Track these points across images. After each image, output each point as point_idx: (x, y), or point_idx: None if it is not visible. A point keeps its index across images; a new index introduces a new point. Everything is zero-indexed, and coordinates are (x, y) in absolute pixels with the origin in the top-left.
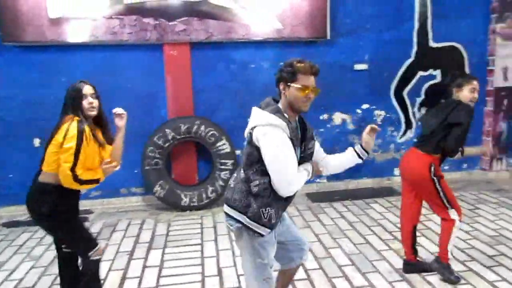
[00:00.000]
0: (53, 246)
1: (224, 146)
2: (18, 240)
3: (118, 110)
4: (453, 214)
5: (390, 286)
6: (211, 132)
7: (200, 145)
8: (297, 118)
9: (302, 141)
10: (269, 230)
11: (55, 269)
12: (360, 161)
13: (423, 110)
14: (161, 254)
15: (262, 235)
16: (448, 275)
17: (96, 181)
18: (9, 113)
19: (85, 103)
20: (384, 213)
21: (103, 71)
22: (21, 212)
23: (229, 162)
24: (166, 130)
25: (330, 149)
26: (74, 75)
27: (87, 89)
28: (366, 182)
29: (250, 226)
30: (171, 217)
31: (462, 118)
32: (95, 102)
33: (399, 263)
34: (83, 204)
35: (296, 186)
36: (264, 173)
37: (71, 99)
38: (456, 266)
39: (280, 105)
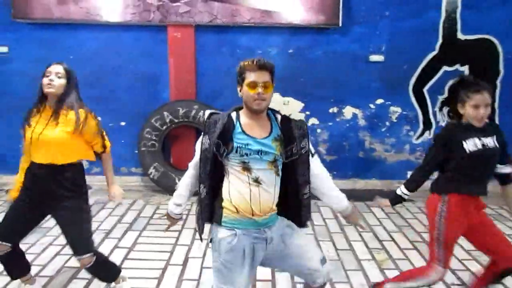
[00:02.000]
0: None
1: None
2: None
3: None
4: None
5: None
6: None
7: (201, 130)
8: (276, 117)
9: (287, 143)
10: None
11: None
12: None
13: (445, 110)
14: (137, 236)
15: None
16: None
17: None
18: (21, 87)
19: (45, 80)
20: (382, 219)
21: (107, 50)
22: None
23: None
24: (164, 112)
25: (338, 145)
26: (81, 53)
27: (53, 68)
28: (375, 183)
29: None
30: (162, 200)
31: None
32: (56, 81)
33: (376, 277)
34: None
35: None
36: None
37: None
38: None
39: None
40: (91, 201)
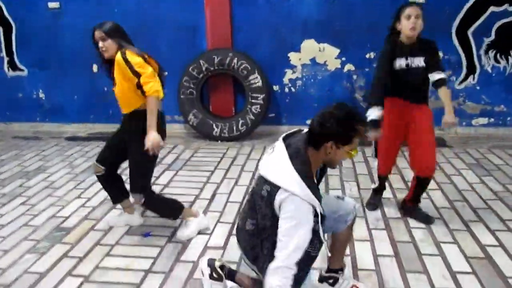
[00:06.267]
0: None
1: (256, 80)
2: (68, 151)
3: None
4: None
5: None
6: (244, 65)
7: (238, 79)
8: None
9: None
10: None
11: (83, 177)
12: None
13: (492, 54)
14: (173, 175)
15: None
16: None
17: None
18: (72, 40)
19: (100, 50)
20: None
21: (148, 4)
22: (82, 129)
23: (260, 96)
24: (200, 61)
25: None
26: (125, 7)
27: (96, 35)
28: None
29: None
30: (202, 145)
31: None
32: (103, 45)
33: (393, 213)
34: None
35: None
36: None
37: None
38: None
39: (309, 156)
40: None
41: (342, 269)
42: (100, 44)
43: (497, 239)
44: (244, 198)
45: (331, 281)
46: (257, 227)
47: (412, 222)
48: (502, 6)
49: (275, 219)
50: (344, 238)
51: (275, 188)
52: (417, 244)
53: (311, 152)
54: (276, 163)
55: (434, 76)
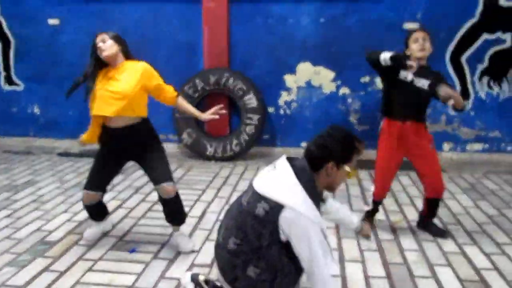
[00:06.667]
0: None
1: (251, 100)
2: (59, 167)
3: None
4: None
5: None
6: (239, 86)
7: (234, 99)
8: None
9: None
10: None
11: (72, 192)
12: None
13: (485, 80)
14: None
15: None
16: None
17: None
18: (72, 56)
19: (98, 51)
20: (408, 186)
21: (147, 21)
22: (75, 144)
23: (255, 117)
24: (196, 80)
25: (368, 115)
26: (124, 24)
27: (98, 38)
28: None
29: None
30: (196, 164)
31: None
32: (102, 45)
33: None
34: None
35: None
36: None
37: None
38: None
39: (315, 181)
40: (129, 163)
41: None
42: (100, 43)
43: (492, 262)
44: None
45: None
46: (242, 247)
47: (405, 244)
48: (495, 34)
49: (274, 238)
50: None
51: (277, 206)
52: (410, 266)
53: (318, 181)
54: (280, 180)
55: None
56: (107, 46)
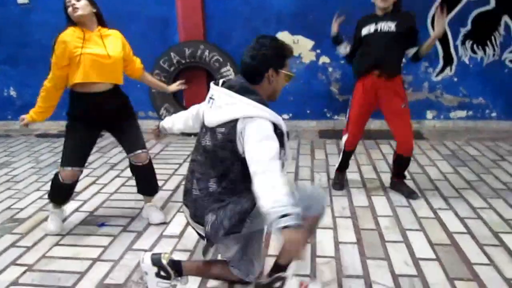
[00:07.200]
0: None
1: (228, 72)
2: (36, 147)
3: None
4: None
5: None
6: (215, 57)
7: (211, 72)
8: None
9: None
10: None
11: (47, 171)
12: None
13: (469, 44)
14: None
15: None
16: None
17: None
18: (44, 37)
19: (70, 10)
20: (388, 154)
21: None
22: (54, 126)
23: None
24: (171, 54)
25: (350, 85)
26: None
27: None
28: None
29: None
30: (173, 140)
31: None
32: (76, 3)
33: (360, 201)
34: None
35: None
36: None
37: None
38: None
39: (259, 94)
40: (107, 141)
41: (286, 267)
42: (73, 1)
43: (465, 226)
44: None
45: (277, 285)
46: (222, 180)
47: (379, 210)
48: None
49: (236, 155)
50: None
51: (231, 123)
52: (382, 231)
53: (262, 93)
54: (224, 104)
55: (410, 52)
56: (82, 5)
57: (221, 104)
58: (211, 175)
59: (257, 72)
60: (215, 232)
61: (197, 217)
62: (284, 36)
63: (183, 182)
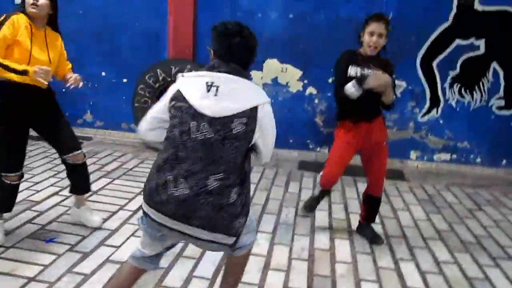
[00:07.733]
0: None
1: None
2: None
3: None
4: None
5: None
6: None
7: None
8: None
9: None
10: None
11: None
12: None
13: (456, 87)
14: (107, 183)
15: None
16: None
17: (13, 70)
18: None
19: (30, 1)
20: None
21: (113, 6)
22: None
23: None
24: (157, 70)
25: (335, 117)
26: (90, 8)
27: None
28: None
29: None
30: (150, 156)
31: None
32: (41, 1)
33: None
34: (86, 132)
35: None
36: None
37: None
38: None
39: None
40: (85, 150)
41: None
42: None
43: (424, 281)
44: None
45: None
46: (226, 176)
47: (339, 256)
48: (468, 40)
49: (249, 143)
50: (239, 261)
51: (252, 112)
52: (336, 280)
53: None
54: (240, 91)
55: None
56: (42, 4)
57: (230, 91)
58: (214, 171)
59: (251, 61)
60: (240, 231)
61: (185, 217)
62: (273, 63)
63: None
